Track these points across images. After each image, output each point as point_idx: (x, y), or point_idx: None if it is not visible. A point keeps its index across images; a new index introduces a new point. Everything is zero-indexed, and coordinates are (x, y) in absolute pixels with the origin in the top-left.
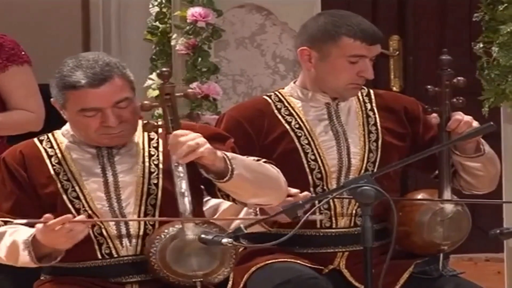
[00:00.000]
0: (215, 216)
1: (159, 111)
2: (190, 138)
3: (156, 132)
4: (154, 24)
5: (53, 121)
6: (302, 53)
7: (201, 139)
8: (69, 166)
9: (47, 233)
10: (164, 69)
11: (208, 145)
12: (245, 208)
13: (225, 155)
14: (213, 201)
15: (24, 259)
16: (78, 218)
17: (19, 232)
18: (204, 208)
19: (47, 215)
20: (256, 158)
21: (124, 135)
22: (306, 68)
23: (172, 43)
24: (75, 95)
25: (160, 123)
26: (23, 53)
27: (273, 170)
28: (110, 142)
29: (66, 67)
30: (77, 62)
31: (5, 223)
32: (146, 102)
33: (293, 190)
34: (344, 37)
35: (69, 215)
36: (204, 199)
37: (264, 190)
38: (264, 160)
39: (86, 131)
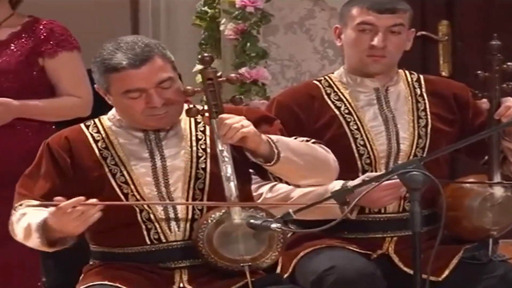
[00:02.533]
0: (289, 202)
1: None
2: (235, 121)
3: (202, 115)
4: (203, 9)
5: (101, 107)
6: (334, 31)
7: (245, 121)
8: (116, 151)
9: (59, 216)
10: (205, 54)
11: (252, 127)
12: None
13: (269, 138)
14: (283, 188)
15: (35, 242)
16: (90, 200)
17: (35, 215)
18: (273, 194)
19: (58, 197)
20: (304, 138)
21: (171, 116)
22: (339, 46)
23: (221, 28)
24: (117, 77)
25: (204, 107)
26: (72, 39)
27: (321, 150)
28: (157, 124)
29: (105, 50)
30: (116, 45)
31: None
32: (189, 87)
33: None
34: (355, 7)
35: (81, 197)
36: (257, 185)
37: (313, 171)
38: (313, 140)
39: (131, 113)
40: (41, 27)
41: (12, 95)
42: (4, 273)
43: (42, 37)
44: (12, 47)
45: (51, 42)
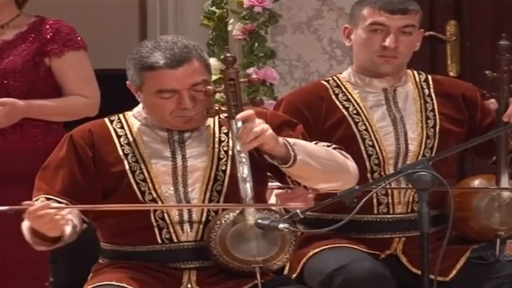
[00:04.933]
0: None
1: (220, 95)
2: (255, 125)
3: (219, 117)
4: (210, 9)
5: (108, 107)
6: (344, 31)
7: (264, 125)
8: (138, 148)
9: (31, 220)
10: (228, 54)
11: (270, 131)
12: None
13: (286, 141)
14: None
15: (33, 242)
16: (57, 204)
17: None
18: None
19: (26, 202)
20: (324, 144)
21: (199, 118)
22: (349, 46)
23: (229, 28)
24: (152, 76)
25: (223, 108)
26: (79, 38)
27: (340, 156)
28: (184, 125)
29: (144, 48)
30: (155, 43)
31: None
32: (209, 87)
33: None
34: (366, 7)
35: (48, 202)
36: None
37: (331, 175)
38: (334, 146)
39: (161, 113)
40: (47, 27)
41: (19, 95)
42: (11, 272)
43: (48, 37)
44: (18, 48)
45: (57, 42)
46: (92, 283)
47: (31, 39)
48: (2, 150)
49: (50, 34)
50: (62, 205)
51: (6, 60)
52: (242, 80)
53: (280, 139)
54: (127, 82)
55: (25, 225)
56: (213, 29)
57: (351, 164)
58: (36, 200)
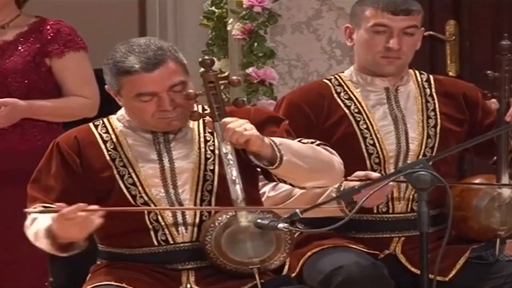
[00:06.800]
0: (290, 200)
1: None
2: (237, 125)
3: (203, 121)
4: (210, 9)
5: (108, 107)
6: (345, 30)
7: (248, 125)
8: (125, 152)
9: (60, 222)
10: (206, 57)
11: (255, 131)
12: (328, 191)
13: (272, 141)
14: (286, 186)
15: (46, 247)
16: (92, 206)
17: (43, 220)
18: (275, 193)
19: (59, 203)
20: (309, 140)
21: (181, 119)
22: (350, 45)
23: (228, 28)
24: (129, 80)
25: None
26: (79, 39)
27: (325, 153)
28: (168, 127)
29: (118, 53)
30: (129, 47)
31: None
32: (191, 91)
33: (374, 174)
34: (369, 8)
35: (83, 204)
36: (260, 183)
37: (317, 174)
38: (318, 142)
39: (142, 116)
40: (48, 27)
41: (20, 95)
42: (13, 273)
43: (49, 37)
44: (19, 48)
45: (58, 43)
46: (91, 283)
47: (31, 39)
48: (2, 149)
49: (51, 34)
50: (94, 207)
51: (7, 61)
52: (222, 82)
53: (266, 139)
54: (106, 86)
55: (40, 229)
56: (213, 29)
57: (336, 160)
58: (34, 208)
